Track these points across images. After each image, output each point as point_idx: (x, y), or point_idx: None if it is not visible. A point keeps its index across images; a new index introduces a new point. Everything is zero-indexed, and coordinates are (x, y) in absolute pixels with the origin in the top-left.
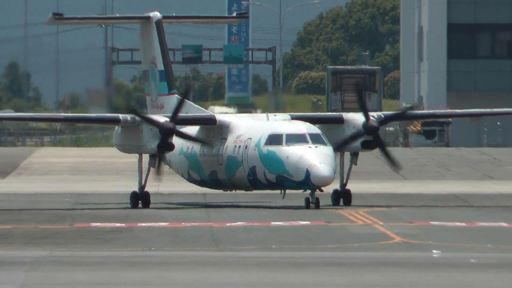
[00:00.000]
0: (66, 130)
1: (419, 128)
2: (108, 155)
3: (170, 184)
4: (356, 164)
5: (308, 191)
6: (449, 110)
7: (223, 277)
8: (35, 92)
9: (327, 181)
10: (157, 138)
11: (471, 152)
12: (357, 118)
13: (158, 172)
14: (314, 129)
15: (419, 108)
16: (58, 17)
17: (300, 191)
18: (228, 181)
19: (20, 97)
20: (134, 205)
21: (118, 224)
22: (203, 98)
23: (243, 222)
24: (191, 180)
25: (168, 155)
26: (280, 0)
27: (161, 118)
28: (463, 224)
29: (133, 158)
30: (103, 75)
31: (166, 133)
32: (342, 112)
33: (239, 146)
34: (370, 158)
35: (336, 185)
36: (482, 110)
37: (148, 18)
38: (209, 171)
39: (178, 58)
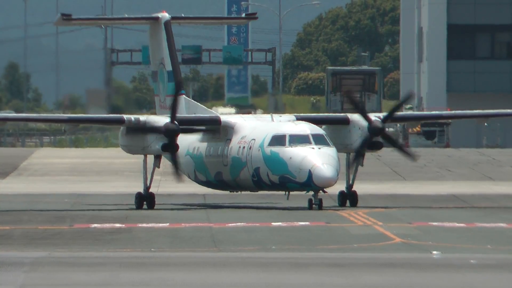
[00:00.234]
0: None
1: (419, 129)
2: (108, 156)
3: (170, 185)
4: (362, 165)
5: (311, 192)
6: (457, 112)
7: (223, 278)
8: (35, 93)
9: (329, 182)
10: (161, 139)
11: (470, 153)
12: (361, 119)
13: (177, 173)
14: (318, 130)
15: (419, 109)
16: (66, 17)
17: (304, 192)
18: (233, 182)
19: (20, 98)
20: (139, 206)
21: (117, 225)
22: (202, 98)
23: (243, 223)
24: (197, 181)
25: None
26: (279, 1)
27: (164, 120)
28: (463, 224)
29: (133, 159)
30: (103, 76)
31: (170, 134)
32: (342, 112)
33: (244, 147)
34: (370, 158)
35: (342, 187)
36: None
37: (157, 18)
38: (215, 172)
39: (178, 59)
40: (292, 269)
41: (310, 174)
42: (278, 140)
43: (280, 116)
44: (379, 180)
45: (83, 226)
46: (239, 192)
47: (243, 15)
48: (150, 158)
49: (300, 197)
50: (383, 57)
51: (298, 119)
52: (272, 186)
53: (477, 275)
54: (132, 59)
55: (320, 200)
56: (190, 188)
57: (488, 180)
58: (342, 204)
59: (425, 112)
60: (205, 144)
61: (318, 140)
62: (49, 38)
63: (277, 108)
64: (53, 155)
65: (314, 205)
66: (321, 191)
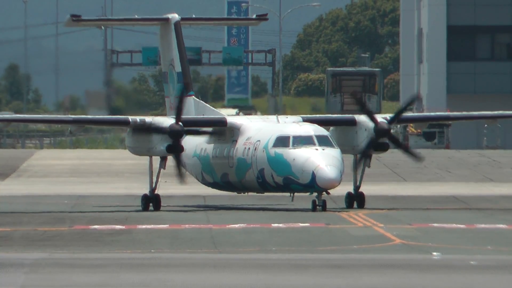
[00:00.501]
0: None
1: (419, 130)
2: (108, 157)
3: (170, 187)
4: (369, 166)
5: (315, 194)
6: (465, 113)
7: (223, 279)
8: (35, 94)
9: (333, 184)
10: (166, 140)
11: (471, 154)
12: (369, 120)
13: (180, 175)
14: (322, 131)
15: (419, 110)
16: (75, 18)
17: (308, 193)
18: (239, 183)
19: (20, 99)
20: (145, 208)
21: (117, 226)
22: (202, 100)
23: (242, 224)
24: (204, 182)
25: (183, 157)
26: (279, 2)
27: (169, 121)
28: (463, 226)
29: (133, 160)
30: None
31: (175, 136)
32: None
33: (249, 148)
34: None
35: (349, 188)
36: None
37: (167, 19)
38: (221, 173)
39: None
40: (292, 270)
41: (313, 175)
42: (282, 141)
43: (287, 117)
44: (379, 181)
45: (83, 228)
46: (246, 194)
47: (254, 16)
48: (156, 160)
49: (306, 198)
50: (383, 58)
51: (305, 120)
52: (277, 188)
53: (478, 276)
54: (132, 60)
55: (324, 202)
56: (190, 189)
57: (488, 181)
58: (349, 205)
59: (432, 114)
60: (211, 146)
61: (322, 141)
62: (49, 39)
63: (277, 109)
64: (53, 156)
65: (318, 207)
66: (324, 192)
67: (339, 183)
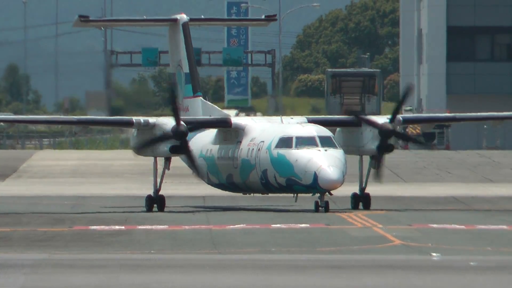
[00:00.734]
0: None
1: (419, 131)
2: (108, 158)
3: (170, 187)
4: (374, 167)
5: (318, 195)
6: (472, 114)
7: (222, 280)
8: (35, 95)
9: (335, 185)
10: (169, 141)
11: (470, 154)
12: (373, 121)
13: (195, 171)
14: (325, 131)
15: (419, 110)
16: (84, 19)
17: (311, 194)
18: (243, 184)
19: (20, 100)
20: (149, 209)
21: (117, 227)
22: None
23: (242, 225)
24: (210, 183)
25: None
26: (279, 2)
27: (172, 122)
28: (463, 226)
29: (132, 160)
30: (102, 78)
31: (179, 136)
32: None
33: (253, 149)
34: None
35: (355, 189)
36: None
37: (175, 20)
38: (226, 174)
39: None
40: (292, 271)
41: (315, 176)
42: (285, 142)
43: (292, 118)
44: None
45: (83, 228)
46: (252, 194)
47: (263, 16)
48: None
49: (310, 199)
50: (383, 59)
51: (310, 121)
52: (280, 189)
53: (477, 277)
54: (132, 61)
55: (326, 203)
56: (190, 190)
57: (488, 182)
58: (355, 206)
59: (439, 114)
60: (217, 147)
61: (325, 142)
62: (49, 40)
63: (277, 110)
64: (53, 157)
65: (320, 208)
66: (327, 193)
67: (341, 184)
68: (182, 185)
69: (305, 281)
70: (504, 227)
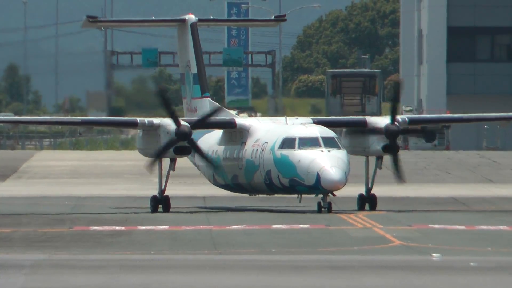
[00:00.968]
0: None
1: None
2: (108, 159)
3: (169, 188)
4: (380, 168)
5: (320, 195)
6: (479, 114)
7: (223, 280)
8: (35, 95)
9: (337, 186)
10: (174, 141)
11: (470, 155)
12: (379, 121)
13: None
14: (329, 132)
15: (419, 111)
16: (92, 19)
17: (314, 195)
18: (248, 185)
19: (20, 100)
20: (154, 209)
21: (117, 228)
22: None
23: (243, 225)
24: (216, 184)
25: (196, 159)
26: (279, 3)
27: (181, 121)
28: (463, 227)
29: (132, 161)
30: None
31: (181, 137)
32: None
33: (257, 150)
34: (370, 161)
35: (361, 190)
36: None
37: (184, 21)
38: (231, 175)
39: (178, 61)
40: (292, 271)
41: (318, 177)
42: (288, 143)
43: (297, 118)
44: (379, 182)
45: (83, 229)
46: (257, 195)
47: (272, 17)
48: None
49: (314, 200)
50: (383, 59)
51: (315, 122)
52: (284, 189)
53: (477, 278)
54: (133, 62)
55: (329, 203)
56: (190, 190)
57: (488, 182)
58: (361, 207)
59: (446, 115)
60: (222, 147)
61: (328, 142)
62: (49, 40)
63: (277, 111)
64: (53, 157)
65: (323, 208)
66: (330, 194)
67: (344, 185)
68: (181, 186)
69: (305, 282)
70: (504, 227)
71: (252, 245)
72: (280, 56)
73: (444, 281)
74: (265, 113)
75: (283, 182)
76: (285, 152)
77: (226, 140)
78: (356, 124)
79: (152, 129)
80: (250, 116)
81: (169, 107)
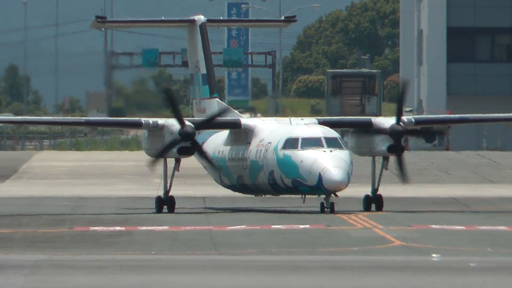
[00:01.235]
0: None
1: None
2: (108, 159)
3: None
4: (386, 168)
5: (323, 196)
6: (485, 115)
7: (223, 280)
8: (35, 96)
9: (339, 186)
10: (178, 142)
11: (470, 155)
12: (384, 122)
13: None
14: (332, 133)
15: (419, 111)
16: (100, 20)
17: (316, 195)
18: (253, 185)
19: (20, 100)
20: (159, 210)
21: (117, 228)
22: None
23: (242, 226)
24: (223, 184)
25: (203, 160)
26: (279, 3)
27: (186, 122)
28: (463, 227)
29: (132, 161)
30: (103, 79)
31: (185, 137)
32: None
33: (261, 150)
34: (369, 161)
35: (367, 190)
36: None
37: (193, 21)
38: (237, 175)
39: (178, 62)
40: (292, 272)
41: (320, 177)
42: (291, 143)
43: (302, 119)
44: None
45: (83, 229)
46: (263, 196)
47: (283, 17)
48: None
49: (318, 200)
50: (383, 59)
51: (320, 122)
52: (287, 190)
53: (477, 278)
54: (132, 62)
55: (332, 204)
56: (189, 191)
57: (488, 183)
58: (367, 208)
59: (452, 115)
60: (228, 148)
61: (331, 143)
62: (49, 41)
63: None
64: (53, 158)
65: (326, 209)
66: (332, 194)
67: (347, 185)
68: (181, 186)
69: (305, 282)
70: (504, 228)
71: (252, 246)
72: (280, 57)
73: (443, 282)
74: (265, 114)
75: (286, 183)
76: (288, 152)
77: (232, 140)
78: (362, 124)
79: (157, 129)
80: (252, 116)
81: (175, 107)
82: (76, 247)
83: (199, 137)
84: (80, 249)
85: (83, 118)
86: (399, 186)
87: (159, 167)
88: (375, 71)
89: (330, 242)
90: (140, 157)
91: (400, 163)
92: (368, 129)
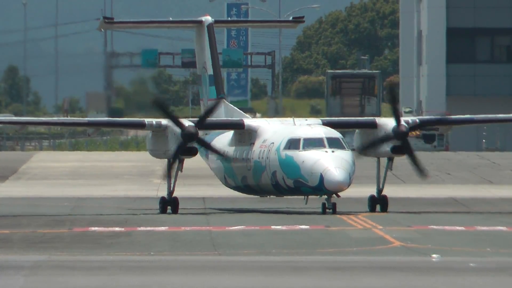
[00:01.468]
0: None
1: (418, 133)
2: (107, 160)
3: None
4: (391, 169)
5: (325, 196)
6: (489, 115)
7: (222, 281)
8: (35, 96)
9: (341, 187)
10: (180, 142)
11: (470, 156)
12: (388, 122)
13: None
14: (334, 133)
15: (419, 112)
16: (108, 21)
17: (318, 196)
18: (256, 186)
19: (20, 101)
20: (163, 211)
21: (117, 229)
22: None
23: (242, 226)
24: (228, 185)
25: (209, 161)
26: (279, 4)
27: (186, 122)
28: (462, 228)
29: (132, 162)
30: (102, 79)
31: (187, 138)
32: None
33: (264, 151)
34: (370, 162)
35: (373, 191)
36: None
37: (200, 22)
38: (241, 176)
39: (178, 62)
40: (292, 272)
41: (321, 178)
42: (293, 143)
43: (306, 120)
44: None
45: (83, 230)
46: (268, 197)
47: (291, 18)
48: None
49: (320, 201)
50: (383, 60)
51: (325, 123)
52: (289, 190)
53: (477, 279)
54: (132, 62)
55: (334, 204)
56: (189, 192)
57: (487, 183)
58: (372, 209)
59: (456, 116)
60: (232, 148)
61: (333, 143)
62: (49, 41)
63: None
64: (53, 158)
65: (327, 210)
66: (334, 195)
67: (348, 186)
68: (181, 187)
69: (305, 283)
70: (504, 228)
71: (251, 246)
72: (280, 57)
73: (443, 282)
74: (264, 114)
75: (288, 183)
76: (290, 153)
77: (236, 141)
78: (366, 125)
79: (160, 130)
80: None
81: (169, 114)
82: (75, 247)
83: (206, 137)
84: (79, 249)
85: (86, 119)
86: (398, 187)
87: (158, 167)
88: (374, 71)
89: (330, 243)
90: (140, 158)
91: (413, 161)
92: (372, 130)
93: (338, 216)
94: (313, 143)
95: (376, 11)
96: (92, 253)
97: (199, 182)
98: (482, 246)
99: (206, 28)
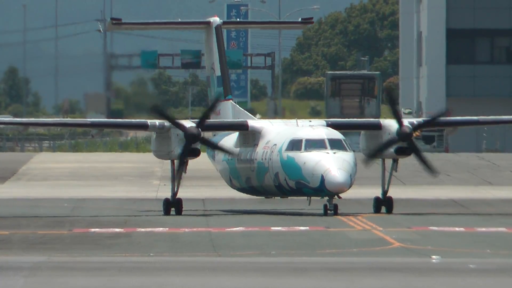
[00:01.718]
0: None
1: (418, 133)
2: (107, 161)
3: (168, 190)
4: (396, 171)
5: (326, 198)
6: (491, 117)
7: (222, 282)
8: (34, 97)
9: (342, 188)
10: (183, 143)
11: (470, 157)
12: (392, 124)
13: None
14: (336, 134)
15: (418, 113)
16: (116, 22)
17: (319, 197)
18: (260, 187)
19: (19, 102)
20: (167, 212)
21: (117, 230)
22: (202, 103)
23: (242, 228)
24: (233, 187)
25: (215, 162)
26: (279, 5)
27: (188, 123)
28: (462, 229)
29: (132, 163)
30: (102, 80)
31: (190, 139)
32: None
33: (267, 152)
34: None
35: (374, 192)
36: None
37: (209, 23)
38: (245, 177)
39: (177, 63)
40: (292, 273)
41: (322, 179)
42: (295, 144)
43: (310, 121)
44: (379, 184)
45: (82, 231)
46: (273, 198)
47: (299, 19)
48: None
49: (323, 202)
50: (382, 61)
51: (329, 124)
52: (291, 192)
53: (477, 280)
54: (132, 64)
55: (335, 206)
56: (189, 193)
57: (487, 184)
58: (377, 210)
59: (461, 117)
60: (237, 150)
61: (335, 144)
62: (49, 42)
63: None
64: (52, 159)
65: (329, 211)
66: (336, 196)
67: (349, 187)
68: (181, 188)
69: (304, 284)
70: (504, 229)
71: (251, 247)
72: (280, 58)
73: (443, 283)
74: (264, 115)
75: (290, 184)
76: (292, 154)
77: (241, 142)
78: (371, 127)
79: (164, 131)
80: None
81: (169, 118)
82: (75, 248)
83: (213, 138)
84: (79, 250)
85: (89, 120)
86: (398, 188)
87: (157, 168)
88: (374, 73)
89: (329, 244)
90: (139, 159)
91: (421, 160)
92: (377, 131)
93: (338, 217)
94: (315, 144)
95: (376, 12)
96: (92, 254)
97: (199, 183)
98: (482, 247)
99: (214, 30)
